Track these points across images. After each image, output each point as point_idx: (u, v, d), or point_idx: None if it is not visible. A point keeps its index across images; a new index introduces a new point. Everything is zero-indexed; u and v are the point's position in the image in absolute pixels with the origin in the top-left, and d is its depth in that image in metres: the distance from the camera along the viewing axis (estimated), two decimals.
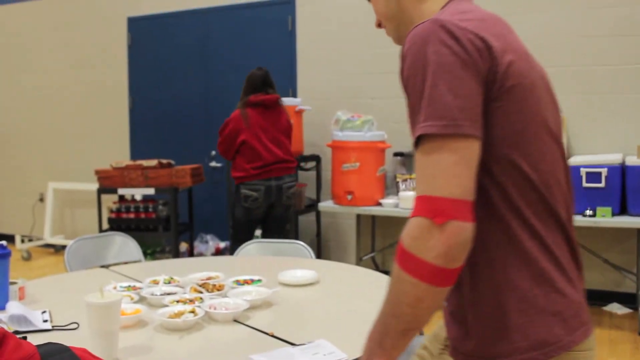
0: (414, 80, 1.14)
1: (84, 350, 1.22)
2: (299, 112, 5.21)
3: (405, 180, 4.82)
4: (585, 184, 4.09)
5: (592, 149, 4.58)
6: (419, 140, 1.13)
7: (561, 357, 1.20)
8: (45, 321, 2.06)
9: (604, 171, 4.05)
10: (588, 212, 4.05)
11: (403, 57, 1.18)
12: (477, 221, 1.14)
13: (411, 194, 4.60)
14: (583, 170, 4.09)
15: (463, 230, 1.08)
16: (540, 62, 1.32)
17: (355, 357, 1.77)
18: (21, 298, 2.28)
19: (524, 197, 1.20)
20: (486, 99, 1.15)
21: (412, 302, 1.11)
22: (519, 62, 1.18)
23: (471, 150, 1.10)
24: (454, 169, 1.08)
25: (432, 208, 1.06)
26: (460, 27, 1.14)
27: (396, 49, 5.18)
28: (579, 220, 4.05)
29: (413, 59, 1.15)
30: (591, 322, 1.28)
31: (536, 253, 1.21)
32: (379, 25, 1.44)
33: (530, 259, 1.20)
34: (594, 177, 4.08)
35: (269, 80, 4.55)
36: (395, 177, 4.92)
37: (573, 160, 4.23)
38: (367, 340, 1.25)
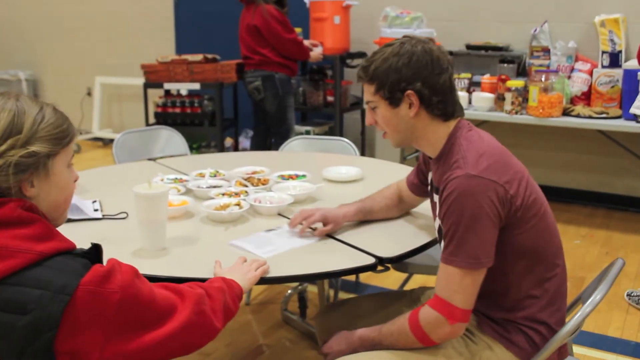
0: (454, 220, 1.51)
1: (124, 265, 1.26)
2: (346, 8, 5.06)
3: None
4: None
5: None
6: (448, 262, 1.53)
7: None
8: (96, 210, 2.12)
9: None
10: None
11: (446, 200, 1.53)
12: None
13: (459, 94, 4.47)
14: None
15: (462, 329, 1.55)
16: None
17: (399, 253, 1.78)
18: None
19: None
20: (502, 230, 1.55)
21: (407, 346, 1.62)
22: (520, 189, 1.55)
23: (482, 275, 1.53)
24: (470, 290, 1.52)
25: (449, 312, 1.51)
26: (492, 184, 1.50)
27: None
28: (632, 126, 3.91)
29: (458, 208, 1.50)
30: None
31: None
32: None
33: None
34: None
35: None
36: None
37: (631, 64, 4.04)
38: (355, 335, 1.71)
